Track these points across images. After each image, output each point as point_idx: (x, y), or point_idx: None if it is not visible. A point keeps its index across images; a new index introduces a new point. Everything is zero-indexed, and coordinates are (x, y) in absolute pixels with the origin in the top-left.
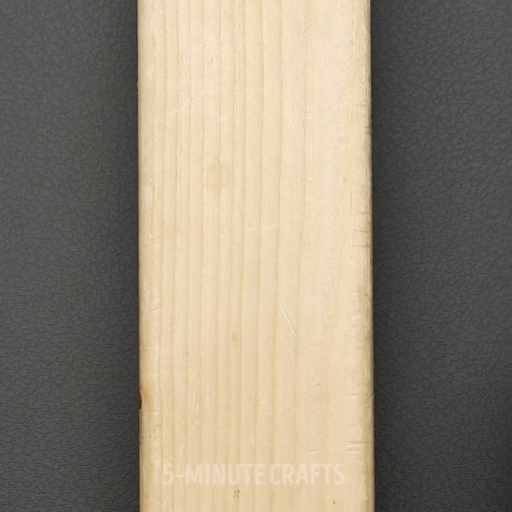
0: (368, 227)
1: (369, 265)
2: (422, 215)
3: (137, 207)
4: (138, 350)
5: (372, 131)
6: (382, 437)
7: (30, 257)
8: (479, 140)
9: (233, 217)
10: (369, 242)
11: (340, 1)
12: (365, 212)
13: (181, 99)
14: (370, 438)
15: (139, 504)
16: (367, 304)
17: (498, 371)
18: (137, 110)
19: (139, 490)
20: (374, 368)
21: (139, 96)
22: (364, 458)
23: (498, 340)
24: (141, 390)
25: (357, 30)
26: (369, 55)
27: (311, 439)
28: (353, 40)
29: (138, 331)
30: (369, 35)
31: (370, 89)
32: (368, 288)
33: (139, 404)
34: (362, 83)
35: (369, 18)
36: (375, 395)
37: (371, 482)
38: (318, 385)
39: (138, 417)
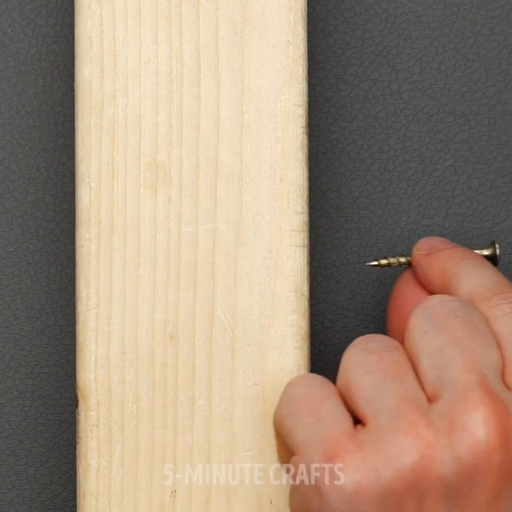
0: (305, 227)
1: (306, 265)
2: (358, 215)
3: (74, 207)
4: (75, 350)
5: (309, 131)
6: None
7: None
8: (416, 140)
9: (170, 217)
10: (306, 242)
11: (277, 1)
12: (302, 213)
13: (118, 99)
14: None
15: (75, 504)
16: (304, 303)
17: None
18: (74, 110)
19: (75, 490)
20: (311, 368)
21: (75, 96)
22: None
23: None
24: (77, 390)
25: (294, 30)
26: (306, 55)
27: (248, 439)
28: (290, 40)
29: (75, 331)
30: (306, 35)
31: (307, 89)
32: (305, 288)
33: (76, 404)
34: (299, 83)
35: (306, 18)
36: None
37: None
38: (255, 385)
39: (75, 417)
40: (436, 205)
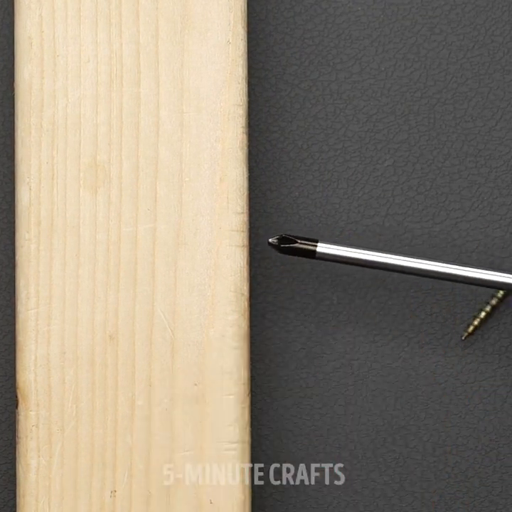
0: (245, 227)
1: (246, 265)
2: (298, 215)
3: (14, 207)
4: (14, 351)
5: (249, 131)
6: (259, 437)
7: None
8: (356, 140)
9: (110, 217)
10: (246, 242)
11: (217, 1)
12: (242, 212)
13: (58, 99)
14: (247, 438)
15: (15, 504)
16: (243, 303)
17: (375, 371)
18: (14, 110)
19: (15, 490)
20: (251, 368)
21: (15, 96)
22: (241, 458)
23: (374, 340)
24: (17, 390)
25: (233, 30)
26: (246, 55)
27: (188, 439)
28: (230, 40)
29: (14, 331)
30: (246, 35)
31: (246, 89)
32: (245, 288)
33: (16, 404)
34: (238, 83)
35: (246, 18)
36: (252, 395)
37: (248, 482)
38: (195, 385)
39: (14, 417)
40: (376, 205)
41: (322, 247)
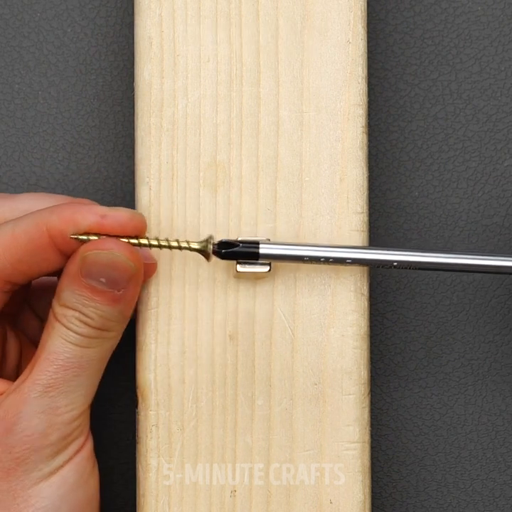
0: (365, 227)
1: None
2: (418, 215)
3: (134, 207)
4: (135, 350)
5: (368, 130)
6: (379, 437)
7: None
8: (476, 140)
9: (230, 217)
10: (366, 242)
11: (337, 0)
12: (362, 212)
13: (178, 98)
14: (367, 438)
15: (135, 504)
16: (363, 303)
17: (495, 371)
18: (134, 110)
19: (135, 489)
20: (370, 368)
21: (135, 96)
22: (361, 458)
23: (494, 340)
24: (137, 390)
25: (354, 30)
26: (365, 55)
27: (307, 439)
28: (350, 40)
29: (135, 330)
30: (366, 34)
31: (366, 89)
32: (365, 288)
33: (136, 404)
34: (358, 83)
35: (365, 18)
36: (371, 395)
37: (368, 482)
38: (315, 384)
39: (135, 416)
40: (496, 205)
41: (264, 248)
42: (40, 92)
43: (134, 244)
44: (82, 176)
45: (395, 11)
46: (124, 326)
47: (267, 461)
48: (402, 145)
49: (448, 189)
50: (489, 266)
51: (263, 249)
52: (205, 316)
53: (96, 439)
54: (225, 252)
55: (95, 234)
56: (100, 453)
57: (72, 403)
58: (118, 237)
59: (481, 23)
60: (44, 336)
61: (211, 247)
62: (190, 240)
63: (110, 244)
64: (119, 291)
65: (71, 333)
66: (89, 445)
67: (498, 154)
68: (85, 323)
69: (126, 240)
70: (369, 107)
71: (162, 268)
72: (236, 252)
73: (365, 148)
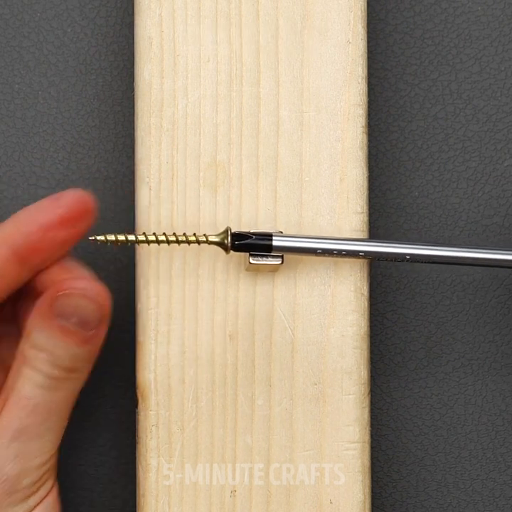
0: (365, 227)
1: (366, 265)
2: (418, 215)
3: (134, 207)
4: (134, 350)
5: (368, 130)
6: (379, 437)
7: None
8: (476, 140)
9: (230, 217)
10: None
11: (337, 0)
12: (362, 212)
13: (178, 98)
14: (367, 438)
15: (135, 504)
16: (363, 303)
17: (495, 371)
18: (134, 110)
19: (135, 489)
20: (370, 368)
21: (135, 96)
22: (361, 458)
23: (494, 340)
24: (137, 390)
25: (354, 30)
26: (366, 55)
27: (307, 439)
28: (350, 40)
29: (135, 331)
30: (366, 34)
31: (366, 89)
32: (365, 288)
33: (136, 404)
34: (358, 83)
35: (365, 18)
36: (371, 394)
37: (368, 482)
38: (315, 384)
39: (134, 416)
40: (496, 205)
41: (277, 240)
42: (40, 92)
43: (151, 241)
44: (82, 176)
45: (395, 11)
46: (91, 367)
47: (267, 461)
48: (402, 145)
49: (448, 189)
50: (493, 259)
51: (276, 242)
52: (205, 316)
53: (96, 439)
54: (238, 244)
55: (121, 233)
56: (100, 453)
57: (43, 447)
58: (135, 235)
59: (481, 23)
60: (13, 376)
61: (230, 239)
62: (207, 234)
63: (82, 283)
64: (89, 331)
65: (41, 376)
66: (56, 488)
67: (498, 154)
68: (55, 365)
69: (143, 238)
70: (369, 107)
71: (162, 268)
72: (249, 244)
73: (365, 148)
